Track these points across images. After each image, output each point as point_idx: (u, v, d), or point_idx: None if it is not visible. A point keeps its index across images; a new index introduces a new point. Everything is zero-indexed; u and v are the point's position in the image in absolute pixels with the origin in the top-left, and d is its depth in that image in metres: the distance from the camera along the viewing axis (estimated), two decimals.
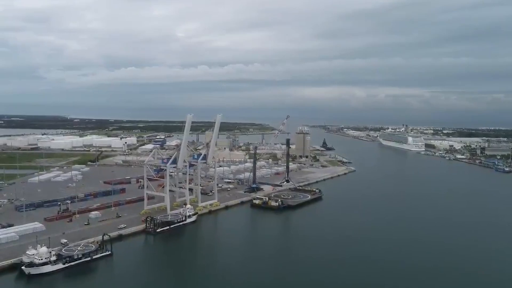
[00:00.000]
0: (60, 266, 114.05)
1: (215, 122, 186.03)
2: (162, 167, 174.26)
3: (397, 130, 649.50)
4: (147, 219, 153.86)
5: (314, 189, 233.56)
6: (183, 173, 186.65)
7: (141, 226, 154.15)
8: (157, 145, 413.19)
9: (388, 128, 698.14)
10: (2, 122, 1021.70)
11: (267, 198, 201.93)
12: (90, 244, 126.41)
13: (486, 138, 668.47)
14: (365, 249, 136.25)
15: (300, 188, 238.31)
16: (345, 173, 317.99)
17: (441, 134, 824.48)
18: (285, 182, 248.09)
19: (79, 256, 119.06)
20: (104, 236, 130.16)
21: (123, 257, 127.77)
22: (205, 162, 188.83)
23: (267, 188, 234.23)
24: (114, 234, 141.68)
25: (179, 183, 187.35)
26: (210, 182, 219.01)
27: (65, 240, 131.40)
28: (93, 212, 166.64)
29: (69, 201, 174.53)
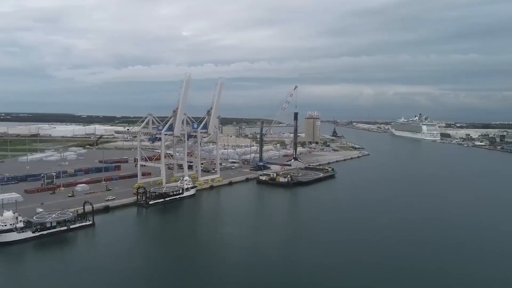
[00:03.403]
0: (29, 234, 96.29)
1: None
2: (157, 135, 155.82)
3: (410, 119, 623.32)
4: (138, 190, 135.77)
5: (326, 168, 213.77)
6: (180, 153, 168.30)
7: (132, 199, 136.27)
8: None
9: (400, 119, 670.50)
10: (10, 117, 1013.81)
11: (275, 174, 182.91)
12: (68, 213, 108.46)
13: (503, 130, 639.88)
14: (383, 233, 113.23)
15: (311, 167, 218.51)
16: (358, 156, 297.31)
17: (454, 127, 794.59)
18: (293, 160, 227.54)
19: (53, 225, 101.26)
20: (85, 205, 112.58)
21: (106, 228, 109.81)
22: (206, 131, 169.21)
23: (275, 168, 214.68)
24: (99, 205, 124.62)
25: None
26: (212, 162, 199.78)
27: (41, 210, 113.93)
28: (80, 185, 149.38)
29: (54, 173, 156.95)
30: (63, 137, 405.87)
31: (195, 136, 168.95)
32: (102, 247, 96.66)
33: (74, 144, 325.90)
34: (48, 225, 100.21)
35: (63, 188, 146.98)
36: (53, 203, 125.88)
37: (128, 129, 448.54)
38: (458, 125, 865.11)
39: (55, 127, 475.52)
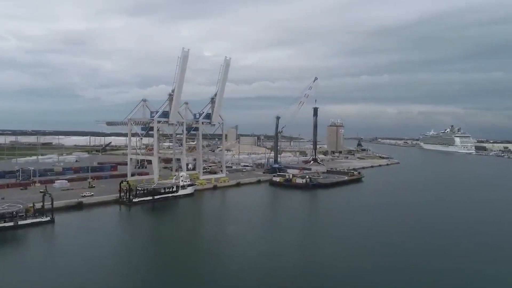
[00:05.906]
0: None
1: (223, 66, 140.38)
2: (149, 123, 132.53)
3: (441, 132, 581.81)
4: (121, 185, 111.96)
5: (352, 171, 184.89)
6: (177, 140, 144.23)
7: (114, 196, 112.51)
8: None
9: (430, 131, 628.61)
10: (34, 133, 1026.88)
11: (291, 175, 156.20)
12: (18, 205, 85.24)
13: None
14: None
15: (335, 170, 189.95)
16: (387, 164, 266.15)
17: (487, 143, 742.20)
18: (312, 162, 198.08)
19: None
20: (44, 197, 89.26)
21: (69, 227, 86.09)
22: (209, 122, 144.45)
23: (292, 172, 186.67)
24: (70, 201, 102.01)
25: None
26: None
27: None
28: (58, 181, 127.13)
29: (32, 169, 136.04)
30: (75, 146, 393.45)
31: (197, 128, 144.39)
32: (54, 251, 72.29)
33: (82, 151, 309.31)
34: None
35: (38, 184, 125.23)
36: (18, 198, 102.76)
37: (141, 138, 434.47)
38: (492, 141, 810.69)
39: (68, 137, 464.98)
